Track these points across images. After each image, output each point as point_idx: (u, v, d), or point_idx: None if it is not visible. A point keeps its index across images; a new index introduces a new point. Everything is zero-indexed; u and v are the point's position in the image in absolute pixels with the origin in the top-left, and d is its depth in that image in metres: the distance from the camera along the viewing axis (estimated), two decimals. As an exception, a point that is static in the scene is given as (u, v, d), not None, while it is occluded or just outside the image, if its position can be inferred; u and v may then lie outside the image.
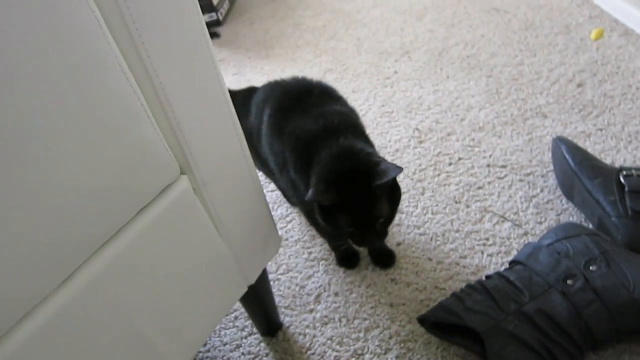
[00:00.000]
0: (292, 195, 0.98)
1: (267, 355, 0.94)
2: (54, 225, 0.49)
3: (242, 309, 1.01)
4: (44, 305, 0.50)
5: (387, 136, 1.35)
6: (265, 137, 0.94)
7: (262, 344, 0.95)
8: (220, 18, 2.11)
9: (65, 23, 0.45)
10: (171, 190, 0.61)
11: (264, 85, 1.07)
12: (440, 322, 0.86)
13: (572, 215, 1.05)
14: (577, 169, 1.01)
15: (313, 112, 0.89)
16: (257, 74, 1.77)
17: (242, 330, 0.98)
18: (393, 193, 0.83)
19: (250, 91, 1.11)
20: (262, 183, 0.79)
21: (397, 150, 1.30)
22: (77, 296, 0.53)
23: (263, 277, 0.85)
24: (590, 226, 0.99)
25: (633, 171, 0.96)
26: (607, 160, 1.14)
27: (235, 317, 1.00)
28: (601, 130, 1.24)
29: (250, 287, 0.81)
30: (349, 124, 0.88)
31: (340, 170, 0.79)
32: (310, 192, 0.76)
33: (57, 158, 0.47)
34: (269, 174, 1.09)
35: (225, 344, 0.96)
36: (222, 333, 0.98)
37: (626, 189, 0.93)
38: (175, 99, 0.58)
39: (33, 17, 0.42)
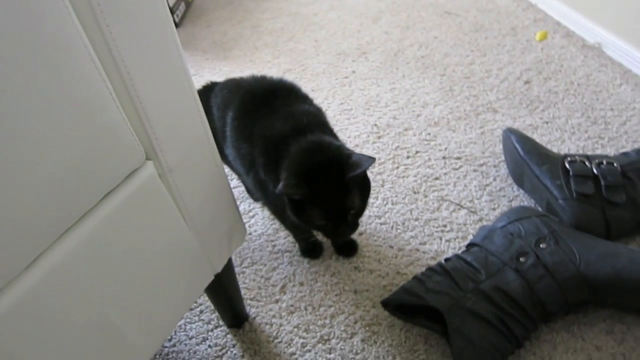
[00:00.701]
0: (260, 197, 0.98)
1: (234, 346, 0.94)
2: (18, 208, 0.48)
3: (208, 303, 1.01)
4: (7, 291, 0.49)
5: (346, 132, 1.38)
6: (231, 140, 0.93)
7: (229, 336, 0.96)
8: (177, 20, 2.10)
9: (31, 4, 0.45)
10: (137, 176, 0.62)
11: (223, 85, 1.06)
12: (403, 305, 0.90)
13: (523, 201, 1.11)
14: (526, 157, 1.07)
15: (281, 112, 0.89)
16: (215, 75, 1.78)
17: (208, 323, 0.98)
18: (364, 184, 0.84)
19: (208, 88, 1.10)
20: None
21: (357, 145, 1.33)
22: (41, 282, 0.52)
23: (229, 266, 0.86)
24: (540, 209, 1.05)
25: (577, 157, 1.03)
26: (554, 150, 1.21)
27: (201, 311, 1.01)
28: (547, 123, 1.31)
29: (216, 277, 0.81)
30: (317, 123, 0.89)
31: (311, 163, 0.79)
32: (280, 186, 0.76)
33: (21, 138, 0.47)
34: (235, 170, 1.09)
35: (191, 338, 0.96)
36: (188, 327, 0.98)
37: (571, 173, 0.99)
38: (140, 84, 0.59)
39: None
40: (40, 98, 0.48)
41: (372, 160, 0.77)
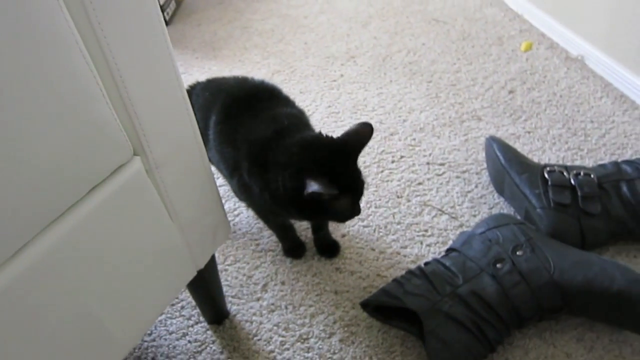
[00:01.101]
0: (244, 199, 0.99)
1: (213, 342, 0.95)
2: (1, 199, 0.49)
3: (189, 299, 1.02)
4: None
5: (333, 135, 1.39)
6: (214, 144, 0.94)
7: (209, 332, 0.97)
8: (167, 18, 2.10)
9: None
10: (124, 171, 0.62)
11: (204, 86, 1.06)
12: (382, 306, 0.91)
13: (503, 208, 1.13)
14: (507, 165, 1.09)
15: (263, 116, 0.90)
16: (204, 74, 1.78)
17: (189, 319, 0.99)
18: None
19: (192, 87, 1.10)
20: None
21: (342, 148, 1.34)
22: (24, 274, 0.53)
23: (212, 263, 0.87)
24: (518, 217, 1.07)
25: (555, 167, 1.05)
26: (534, 160, 1.24)
27: (182, 307, 1.01)
28: (529, 132, 1.34)
29: (199, 273, 0.82)
30: (300, 124, 0.91)
31: (325, 157, 0.81)
32: (316, 187, 0.74)
33: (8, 130, 0.47)
34: (220, 171, 1.09)
35: (171, 333, 0.97)
36: (169, 322, 0.99)
37: (549, 183, 1.02)
38: (130, 80, 0.59)
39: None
40: (30, 91, 0.49)
41: (370, 127, 0.83)
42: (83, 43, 0.53)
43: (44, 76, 0.50)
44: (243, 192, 0.93)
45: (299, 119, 0.93)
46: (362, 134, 0.84)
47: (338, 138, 0.85)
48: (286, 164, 0.81)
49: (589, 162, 1.22)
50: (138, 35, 0.60)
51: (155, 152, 0.66)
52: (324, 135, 0.86)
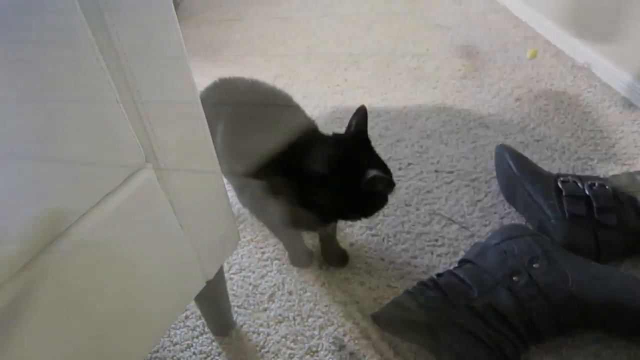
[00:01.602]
0: (254, 211, 0.97)
1: (219, 354, 0.92)
2: (13, 210, 0.46)
3: (193, 309, 0.99)
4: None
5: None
6: (222, 154, 0.90)
7: (215, 343, 0.93)
8: (168, 18, 2.07)
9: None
10: (135, 178, 0.60)
11: (213, 86, 1.04)
12: (394, 319, 0.89)
13: (514, 218, 1.11)
14: (519, 174, 1.07)
15: (275, 127, 0.88)
16: (205, 77, 1.73)
17: (194, 330, 0.96)
18: None
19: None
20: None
21: (348, 154, 1.32)
22: (32, 284, 0.50)
23: (220, 273, 0.84)
24: (531, 227, 1.05)
25: (569, 177, 1.03)
26: (544, 169, 1.22)
27: (186, 317, 0.98)
28: (538, 141, 1.32)
29: (207, 283, 0.79)
30: (313, 133, 0.90)
31: (359, 150, 0.85)
32: (382, 173, 0.78)
33: (18, 136, 0.45)
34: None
35: (175, 344, 0.94)
36: (172, 333, 0.95)
37: (564, 193, 1.00)
38: (143, 84, 0.57)
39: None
40: (40, 94, 0.47)
41: (364, 109, 0.86)
42: (97, 45, 0.51)
43: (55, 78, 0.47)
44: (253, 204, 0.91)
45: (310, 129, 0.92)
46: (362, 120, 0.87)
47: (353, 132, 0.87)
48: (334, 167, 0.81)
49: (600, 172, 1.21)
50: (152, 36, 0.58)
51: (167, 159, 0.63)
52: (340, 134, 0.88)
